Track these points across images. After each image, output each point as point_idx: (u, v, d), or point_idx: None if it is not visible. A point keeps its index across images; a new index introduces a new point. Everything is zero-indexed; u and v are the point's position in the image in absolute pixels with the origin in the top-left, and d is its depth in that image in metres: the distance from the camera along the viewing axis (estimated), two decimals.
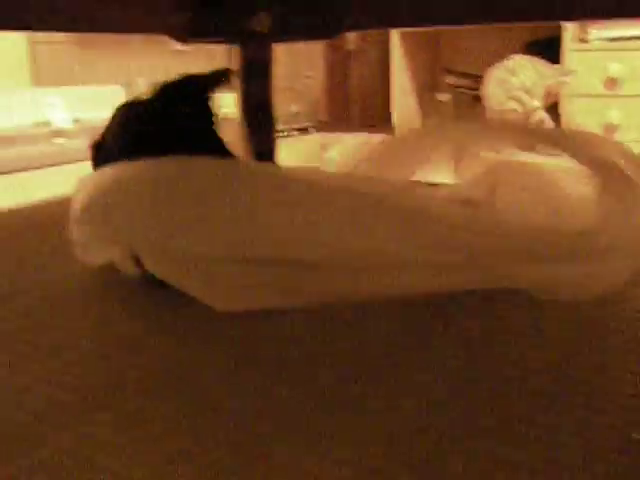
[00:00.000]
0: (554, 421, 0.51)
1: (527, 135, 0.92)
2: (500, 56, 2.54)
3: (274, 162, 1.63)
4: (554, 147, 0.88)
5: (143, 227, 0.78)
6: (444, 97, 2.77)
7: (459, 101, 2.76)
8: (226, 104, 2.33)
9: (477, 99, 2.64)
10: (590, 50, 2.45)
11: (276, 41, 1.58)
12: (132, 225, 0.79)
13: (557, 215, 0.84)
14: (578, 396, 0.55)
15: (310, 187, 0.79)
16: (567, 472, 0.45)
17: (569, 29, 2.44)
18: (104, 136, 0.98)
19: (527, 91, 2.17)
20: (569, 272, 0.73)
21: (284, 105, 3.09)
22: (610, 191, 0.76)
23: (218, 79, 1.03)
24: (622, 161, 0.78)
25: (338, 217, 0.76)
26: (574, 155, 0.82)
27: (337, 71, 3.37)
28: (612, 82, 2.39)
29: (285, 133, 2.92)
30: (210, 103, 0.99)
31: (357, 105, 3.29)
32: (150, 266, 0.79)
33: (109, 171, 0.85)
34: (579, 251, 0.73)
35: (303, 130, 3.06)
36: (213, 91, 1.02)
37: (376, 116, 3.22)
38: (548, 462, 0.46)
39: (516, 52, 2.57)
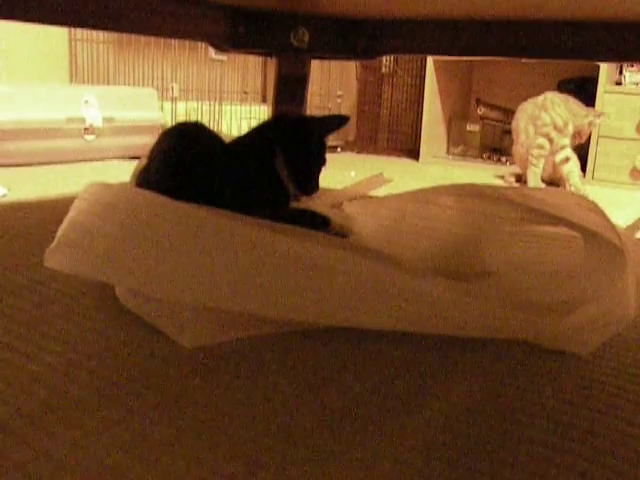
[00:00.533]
0: None
1: (499, 201, 0.92)
2: (533, 91, 2.54)
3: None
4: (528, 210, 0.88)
5: (121, 258, 0.76)
6: (473, 127, 2.77)
7: (488, 132, 2.76)
8: (258, 117, 2.33)
9: (506, 132, 2.64)
10: (624, 93, 2.45)
11: (314, 57, 1.59)
12: (111, 254, 0.77)
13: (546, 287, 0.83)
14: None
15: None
16: None
17: (604, 70, 2.44)
18: (148, 161, 0.95)
19: (557, 129, 2.16)
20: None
21: None
22: (595, 259, 0.76)
23: (336, 124, 1.03)
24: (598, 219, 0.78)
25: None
26: (554, 219, 0.83)
27: (369, 93, 3.40)
28: None
29: None
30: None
31: (386, 128, 3.31)
32: (121, 296, 0.80)
33: (106, 191, 0.83)
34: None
35: (331, 149, 3.07)
36: (328, 134, 1.03)
37: (404, 140, 3.23)
38: None
39: (549, 89, 2.58)
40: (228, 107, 2.79)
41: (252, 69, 3.21)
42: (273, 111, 1.58)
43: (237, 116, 2.79)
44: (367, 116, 3.40)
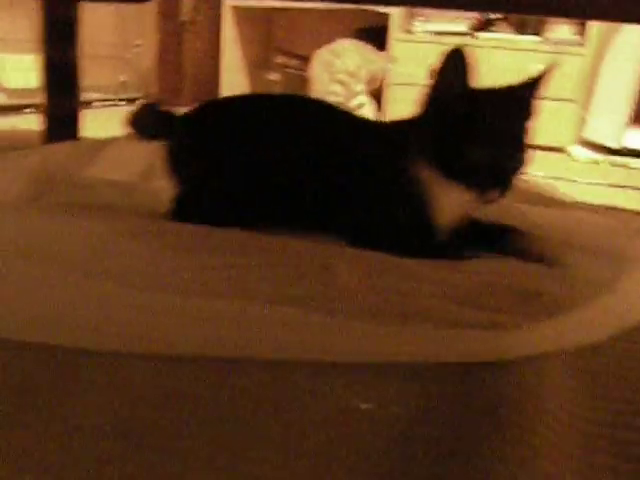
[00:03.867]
0: None
1: None
2: (331, 40, 2.57)
3: (76, 130, 1.53)
4: None
5: None
6: (274, 76, 2.76)
7: (289, 81, 2.76)
8: (24, 67, 2.13)
9: (306, 80, 2.65)
10: (415, 41, 2.55)
11: None
12: None
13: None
14: None
15: None
16: None
17: (396, 19, 2.52)
18: None
19: (351, 75, 2.20)
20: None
21: (111, 74, 2.93)
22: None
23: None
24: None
25: None
26: None
27: (170, 42, 3.25)
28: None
29: (111, 103, 2.77)
30: None
31: (189, 79, 3.20)
32: None
33: None
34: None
35: (131, 101, 2.92)
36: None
37: (208, 91, 3.15)
38: None
39: (346, 37, 2.62)
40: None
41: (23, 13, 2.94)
42: (43, 60, 1.45)
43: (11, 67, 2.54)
44: (169, 67, 3.26)
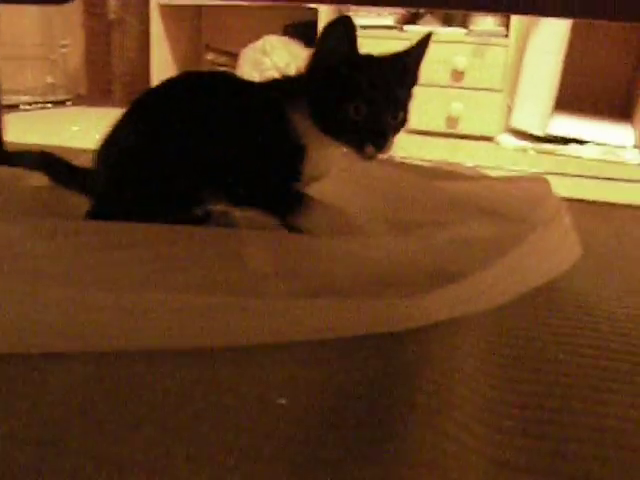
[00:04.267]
0: None
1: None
2: (261, 36, 2.56)
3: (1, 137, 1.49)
4: None
5: None
6: None
7: None
8: None
9: None
10: None
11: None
12: None
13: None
14: None
15: None
16: None
17: (324, 14, 2.53)
18: None
19: (280, 72, 2.21)
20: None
21: (38, 76, 2.86)
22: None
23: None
24: None
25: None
26: None
27: (98, 42, 3.19)
28: None
29: (39, 106, 2.70)
30: None
31: (119, 78, 3.14)
32: None
33: None
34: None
35: (60, 103, 2.85)
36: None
37: (139, 91, 3.10)
38: None
39: (275, 33, 2.62)
40: None
41: None
42: None
43: None
44: (98, 67, 3.20)
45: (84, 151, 1.26)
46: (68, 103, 2.88)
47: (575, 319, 0.74)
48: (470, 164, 1.85)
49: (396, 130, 0.81)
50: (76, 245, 0.75)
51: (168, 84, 0.90)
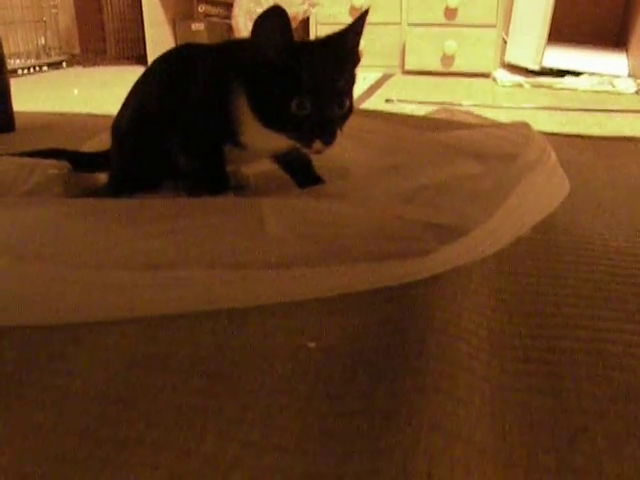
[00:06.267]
0: None
1: None
2: None
3: (9, 104, 1.52)
4: None
5: None
6: (198, 26, 2.73)
7: (214, 30, 2.74)
8: None
9: (231, 27, 2.63)
10: None
11: None
12: None
13: None
14: None
15: None
16: None
17: None
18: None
19: None
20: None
21: (31, 39, 2.85)
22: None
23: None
24: None
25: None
26: None
27: (88, 1, 3.16)
28: (356, 11, 2.51)
29: (35, 69, 2.71)
30: None
31: (112, 37, 3.13)
32: None
33: None
34: None
35: (56, 65, 2.85)
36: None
37: (133, 47, 3.09)
38: None
39: None
40: None
41: None
42: None
43: None
44: (90, 26, 3.18)
45: (94, 116, 1.30)
46: (63, 64, 2.88)
47: (570, 254, 0.80)
48: (467, 103, 1.88)
49: (343, 119, 0.78)
50: (98, 223, 0.78)
51: (157, 60, 0.94)
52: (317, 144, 0.75)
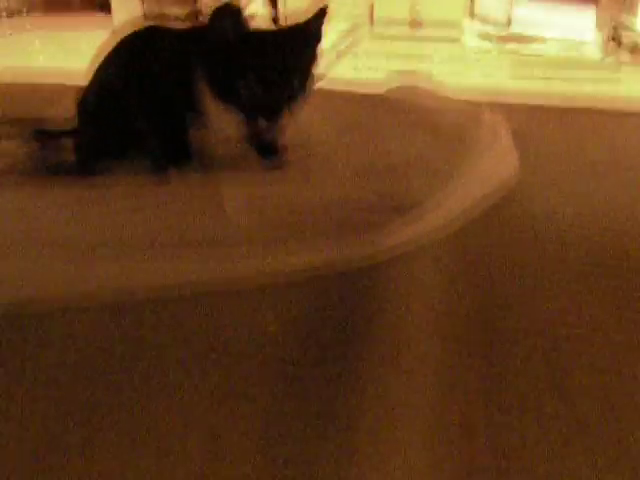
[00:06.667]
0: None
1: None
2: None
3: None
4: None
5: None
6: None
7: None
8: None
9: None
10: None
11: None
12: None
13: None
14: None
15: None
16: None
17: None
18: None
19: None
20: None
21: None
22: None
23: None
24: None
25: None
26: None
27: None
28: None
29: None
30: None
31: None
32: None
33: None
34: None
35: (15, 13, 2.75)
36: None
37: None
38: None
39: None
40: None
41: None
42: None
43: None
44: None
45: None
46: (24, 13, 2.77)
47: (520, 232, 0.82)
48: (435, 72, 1.87)
49: (293, 100, 0.84)
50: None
51: (123, 40, 0.95)
52: (261, 122, 0.83)
